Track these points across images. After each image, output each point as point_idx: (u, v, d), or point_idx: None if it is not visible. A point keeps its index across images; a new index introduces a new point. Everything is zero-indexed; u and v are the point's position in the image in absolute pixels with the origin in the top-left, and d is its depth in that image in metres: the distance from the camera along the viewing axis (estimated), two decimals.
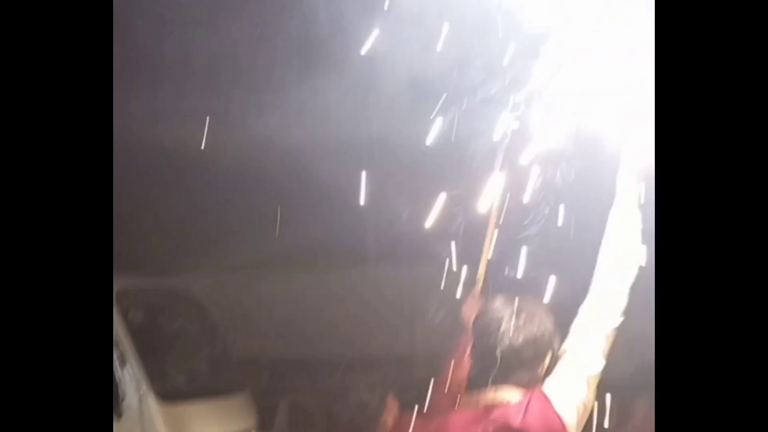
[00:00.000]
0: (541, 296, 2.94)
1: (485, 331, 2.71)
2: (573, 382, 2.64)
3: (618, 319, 2.71)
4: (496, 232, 3.16)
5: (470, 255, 3.20)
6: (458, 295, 3.20)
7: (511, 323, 2.68)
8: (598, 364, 2.67)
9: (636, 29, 2.72)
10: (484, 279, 3.16)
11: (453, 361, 3.17)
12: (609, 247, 2.69)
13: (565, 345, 2.75)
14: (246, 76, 7.36)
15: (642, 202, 2.66)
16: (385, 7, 3.35)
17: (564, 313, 2.80)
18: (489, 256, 3.18)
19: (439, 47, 3.28)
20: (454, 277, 3.21)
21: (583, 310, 2.75)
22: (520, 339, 2.66)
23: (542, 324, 2.71)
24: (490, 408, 2.65)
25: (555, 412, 2.57)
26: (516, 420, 2.55)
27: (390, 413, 3.41)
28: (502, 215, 3.17)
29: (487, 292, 3.10)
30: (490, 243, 3.17)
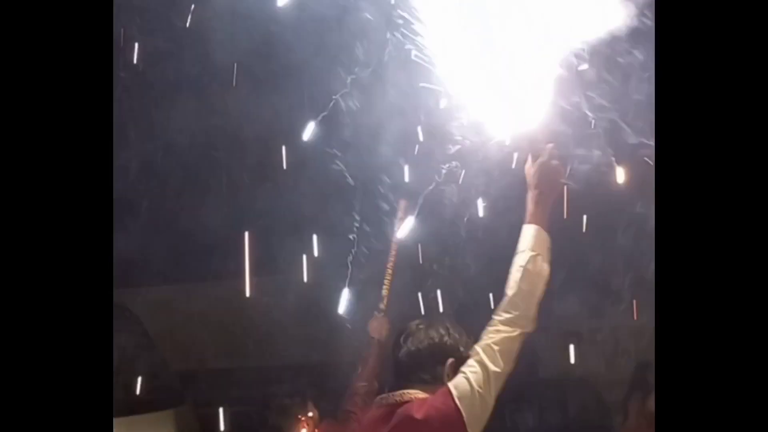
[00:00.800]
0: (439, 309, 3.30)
1: (389, 340, 3.07)
2: (474, 380, 2.82)
3: (502, 315, 2.88)
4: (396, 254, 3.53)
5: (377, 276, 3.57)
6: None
7: (412, 332, 2.99)
8: (498, 364, 2.84)
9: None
10: (388, 297, 3.51)
11: (362, 369, 3.54)
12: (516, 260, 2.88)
13: (476, 346, 2.93)
14: None
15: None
16: None
17: (474, 321, 3.06)
18: (390, 277, 3.55)
19: None
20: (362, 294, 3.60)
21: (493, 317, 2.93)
22: (419, 348, 2.95)
23: (439, 332, 2.99)
24: (396, 406, 2.87)
25: (456, 404, 2.77)
26: (418, 414, 2.78)
27: (310, 419, 3.77)
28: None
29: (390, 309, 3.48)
30: (393, 265, 3.53)
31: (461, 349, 3.01)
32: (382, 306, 3.62)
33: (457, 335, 3.04)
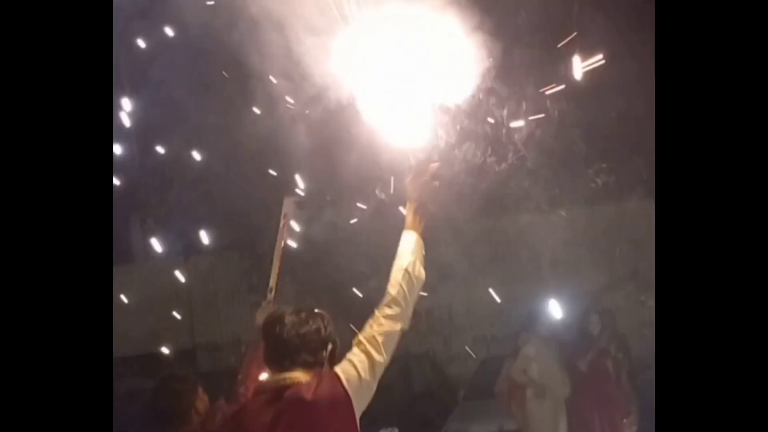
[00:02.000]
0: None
1: (275, 326, 3.21)
2: (360, 367, 3.05)
3: (386, 311, 3.11)
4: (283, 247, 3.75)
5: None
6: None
7: (295, 320, 3.14)
8: (381, 355, 3.06)
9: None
10: (276, 288, 3.71)
11: (251, 354, 3.71)
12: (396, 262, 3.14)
13: (361, 336, 3.14)
14: None
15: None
16: None
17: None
18: (278, 270, 3.75)
19: None
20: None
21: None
22: (302, 331, 3.11)
23: (318, 320, 3.17)
24: (283, 388, 3.01)
25: (344, 387, 2.99)
26: (308, 395, 2.94)
27: (201, 402, 3.93)
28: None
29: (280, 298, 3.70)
30: (279, 257, 3.74)
31: (336, 339, 3.23)
32: (270, 296, 3.81)
33: (331, 326, 3.24)
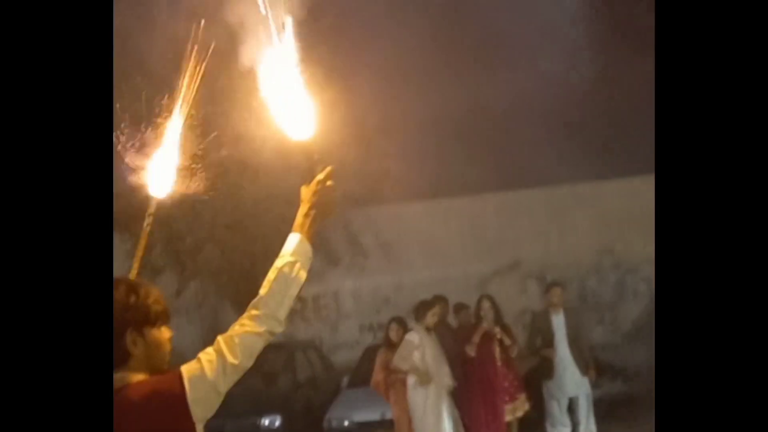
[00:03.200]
0: None
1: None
2: (207, 365, 2.71)
3: (251, 311, 2.87)
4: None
5: None
6: None
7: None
8: (236, 357, 2.76)
9: None
10: (138, 271, 3.43)
11: None
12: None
13: (219, 336, 2.85)
14: None
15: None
16: None
17: None
18: (142, 251, 3.48)
19: None
20: None
21: None
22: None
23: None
24: (118, 390, 2.63)
25: (182, 384, 2.64)
26: (137, 395, 2.62)
27: None
28: None
29: None
30: (145, 239, 3.46)
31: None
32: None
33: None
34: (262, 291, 2.86)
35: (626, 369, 11.36)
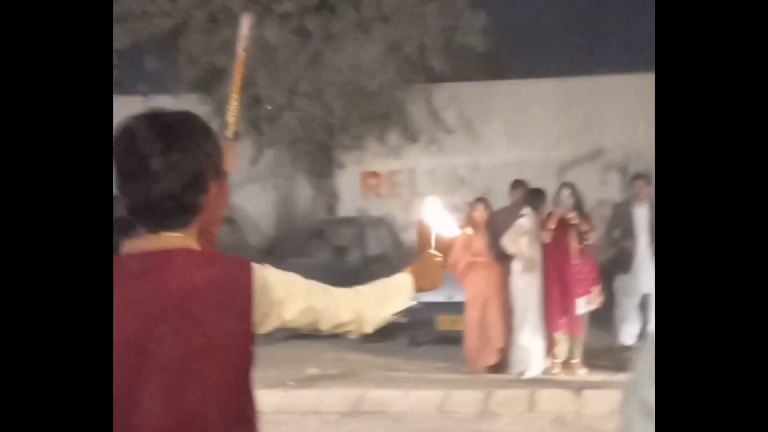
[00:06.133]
0: None
1: None
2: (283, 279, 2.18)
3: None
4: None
5: None
6: None
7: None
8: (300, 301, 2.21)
9: None
10: (236, 122, 3.06)
11: None
12: None
13: None
14: None
15: None
16: None
17: None
18: (237, 100, 3.08)
19: None
20: None
21: None
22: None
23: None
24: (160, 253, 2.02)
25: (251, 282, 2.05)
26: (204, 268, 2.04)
27: None
28: None
29: None
30: (238, 84, 3.08)
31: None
32: (228, 133, 2.86)
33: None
34: (347, 317, 2.28)
35: None
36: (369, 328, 2.33)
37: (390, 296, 2.43)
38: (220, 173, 2.03)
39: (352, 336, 2.33)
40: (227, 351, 1.96)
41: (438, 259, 2.56)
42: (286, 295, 2.09)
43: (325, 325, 2.21)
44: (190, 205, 1.96)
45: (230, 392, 1.98)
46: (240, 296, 1.99)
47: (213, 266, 1.98)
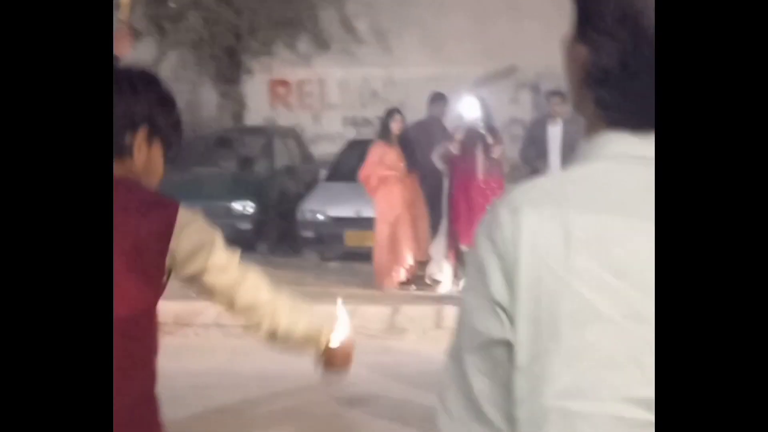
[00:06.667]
0: None
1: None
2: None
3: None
4: None
5: None
6: None
7: None
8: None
9: None
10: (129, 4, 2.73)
11: None
12: None
13: None
14: None
15: None
16: None
17: None
18: None
19: None
20: None
21: None
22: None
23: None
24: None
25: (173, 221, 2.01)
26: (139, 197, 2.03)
27: None
28: None
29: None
30: None
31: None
32: (120, 15, 2.65)
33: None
34: (264, 321, 2.09)
35: None
36: (277, 333, 2.09)
37: (307, 324, 2.15)
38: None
39: (259, 334, 2.11)
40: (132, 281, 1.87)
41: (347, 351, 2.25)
42: (208, 241, 1.99)
43: (242, 298, 2.04)
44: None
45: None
46: (161, 227, 1.93)
47: (142, 192, 1.96)
